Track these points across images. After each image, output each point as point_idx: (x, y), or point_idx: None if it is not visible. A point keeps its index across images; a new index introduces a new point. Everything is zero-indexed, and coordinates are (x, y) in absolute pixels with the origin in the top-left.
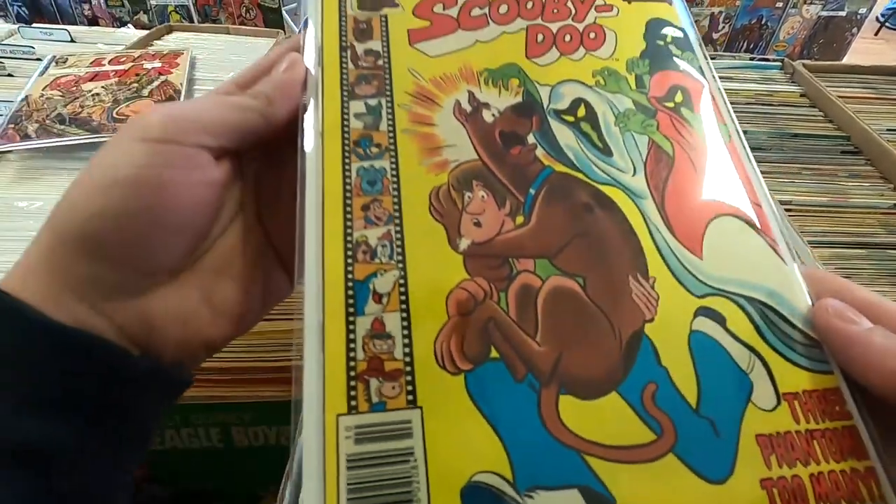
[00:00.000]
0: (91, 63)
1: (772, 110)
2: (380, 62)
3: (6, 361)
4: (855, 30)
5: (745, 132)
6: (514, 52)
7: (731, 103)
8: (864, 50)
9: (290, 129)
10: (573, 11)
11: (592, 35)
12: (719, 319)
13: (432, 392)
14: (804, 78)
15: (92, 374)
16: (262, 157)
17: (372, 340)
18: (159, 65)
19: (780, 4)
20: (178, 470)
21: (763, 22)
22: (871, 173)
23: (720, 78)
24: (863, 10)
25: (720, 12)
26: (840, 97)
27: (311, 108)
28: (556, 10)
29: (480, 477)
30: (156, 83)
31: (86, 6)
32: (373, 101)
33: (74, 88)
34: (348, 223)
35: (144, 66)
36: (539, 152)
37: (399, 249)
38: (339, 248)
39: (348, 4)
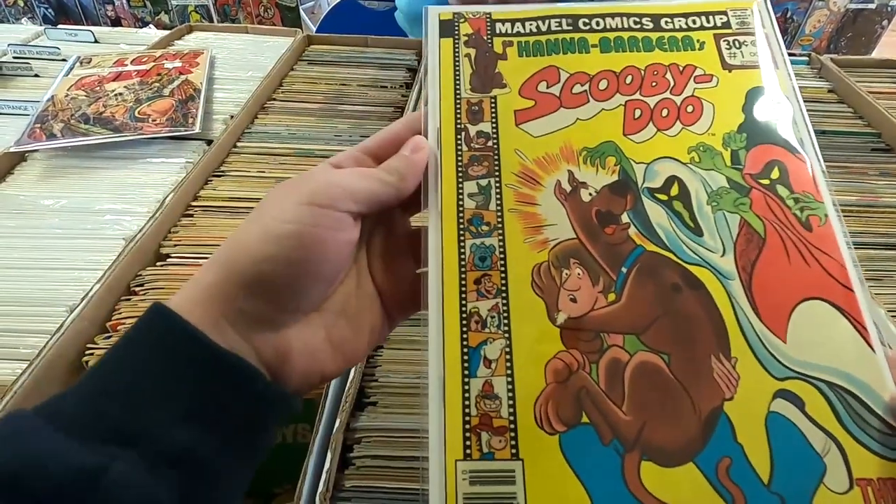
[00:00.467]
0: (114, 63)
1: None
2: (490, 143)
3: (174, 375)
4: (885, 23)
5: None
6: (611, 129)
7: None
8: (895, 44)
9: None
10: (672, 84)
11: (690, 109)
12: (798, 403)
13: (532, 448)
14: (832, 73)
15: (241, 395)
16: (375, 219)
17: (483, 400)
18: (180, 64)
19: None
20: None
21: (788, 15)
22: None
23: None
24: (894, 3)
25: None
26: (870, 92)
27: (431, 187)
28: (654, 84)
29: None
30: (176, 82)
31: (109, 7)
32: (483, 182)
33: (98, 88)
34: (463, 295)
35: (165, 66)
36: (632, 231)
37: (506, 320)
38: (456, 318)
39: (462, 87)
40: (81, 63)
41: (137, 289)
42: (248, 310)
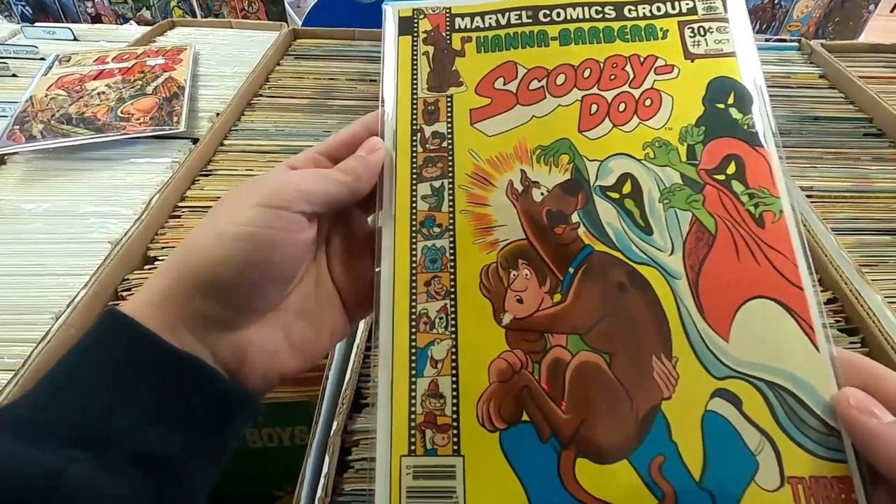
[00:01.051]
0: (95, 61)
1: (791, 93)
2: (444, 144)
3: (134, 377)
4: (872, 7)
5: None
6: (567, 126)
7: None
8: (881, 27)
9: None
10: (631, 76)
11: (648, 102)
12: (735, 402)
13: (473, 444)
14: (823, 58)
15: (200, 395)
16: (334, 218)
17: (429, 399)
18: (163, 61)
19: None
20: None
21: (776, 1)
22: (895, 156)
23: None
24: None
25: None
26: (861, 77)
27: (386, 188)
28: (613, 77)
29: None
30: (160, 80)
31: (89, 4)
32: (437, 183)
33: (79, 87)
34: (413, 297)
35: (148, 63)
36: (581, 231)
37: (453, 321)
38: (406, 319)
39: (419, 87)
40: (61, 62)
41: (125, 294)
42: (204, 312)
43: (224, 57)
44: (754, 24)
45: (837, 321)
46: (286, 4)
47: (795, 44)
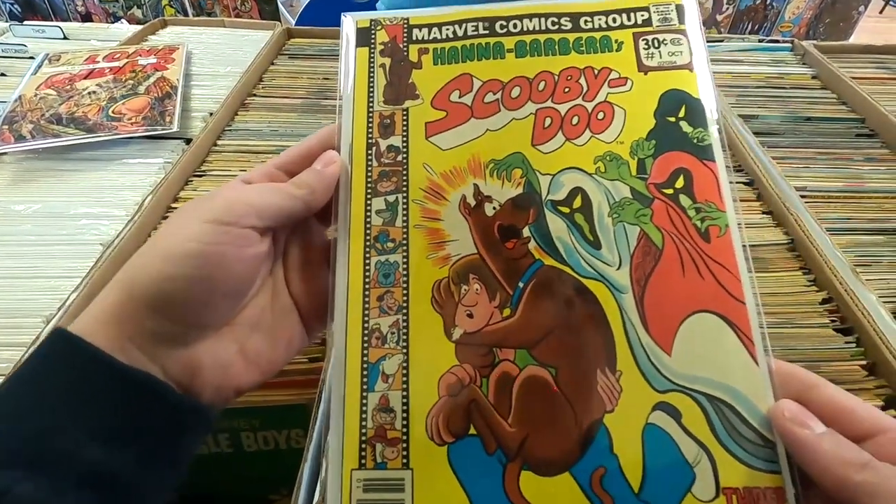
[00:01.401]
0: (85, 60)
1: (784, 93)
2: (399, 158)
3: (81, 396)
4: (862, 8)
5: (757, 117)
6: (520, 140)
7: (742, 87)
8: (871, 28)
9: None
10: (585, 89)
11: (601, 115)
12: (675, 414)
13: (421, 458)
14: (816, 59)
15: (150, 411)
16: (291, 231)
17: (379, 413)
18: (154, 60)
19: None
20: (188, 476)
21: (768, 2)
22: (887, 156)
23: (728, 61)
24: None
25: None
26: (853, 78)
27: (341, 202)
28: (567, 90)
29: None
30: (152, 79)
31: (79, 2)
32: (391, 198)
33: (69, 87)
34: (366, 312)
35: (140, 63)
36: (532, 245)
37: (405, 336)
38: (358, 334)
39: (376, 100)
40: (50, 60)
41: None
42: (153, 329)
43: (217, 56)
44: (746, 25)
45: (833, 321)
46: (279, 4)
47: (788, 44)
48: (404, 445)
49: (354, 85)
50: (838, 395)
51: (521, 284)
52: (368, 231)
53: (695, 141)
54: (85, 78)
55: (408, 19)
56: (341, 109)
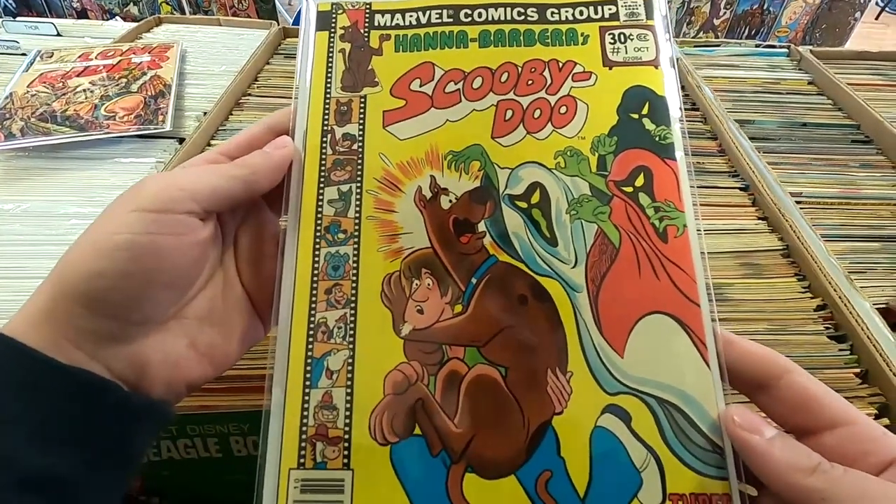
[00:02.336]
0: (78, 57)
1: (780, 99)
2: (355, 146)
3: (17, 398)
4: (858, 14)
5: (753, 122)
6: (480, 132)
7: (738, 92)
8: (867, 34)
9: (269, 197)
10: (548, 82)
11: (563, 109)
12: (625, 417)
13: (363, 458)
14: (812, 65)
15: (91, 409)
16: (242, 219)
17: (321, 410)
18: (148, 58)
19: None
20: (176, 481)
21: (765, 7)
22: (882, 163)
23: (724, 65)
24: None
25: None
26: (849, 84)
27: (293, 191)
28: (530, 82)
29: None
30: (145, 78)
31: None
32: (345, 188)
33: (62, 84)
34: (313, 305)
35: (133, 60)
36: (487, 241)
37: (352, 331)
38: (304, 328)
39: (333, 86)
40: (43, 57)
41: None
42: (90, 327)
43: (212, 55)
44: (743, 30)
45: (827, 328)
46: (276, 2)
47: (785, 50)
48: (346, 445)
49: (312, 70)
50: (809, 384)
51: (473, 280)
52: (319, 221)
53: (657, 139)
54: (78, 75)
55: (370, 4)
56: (297, 94)
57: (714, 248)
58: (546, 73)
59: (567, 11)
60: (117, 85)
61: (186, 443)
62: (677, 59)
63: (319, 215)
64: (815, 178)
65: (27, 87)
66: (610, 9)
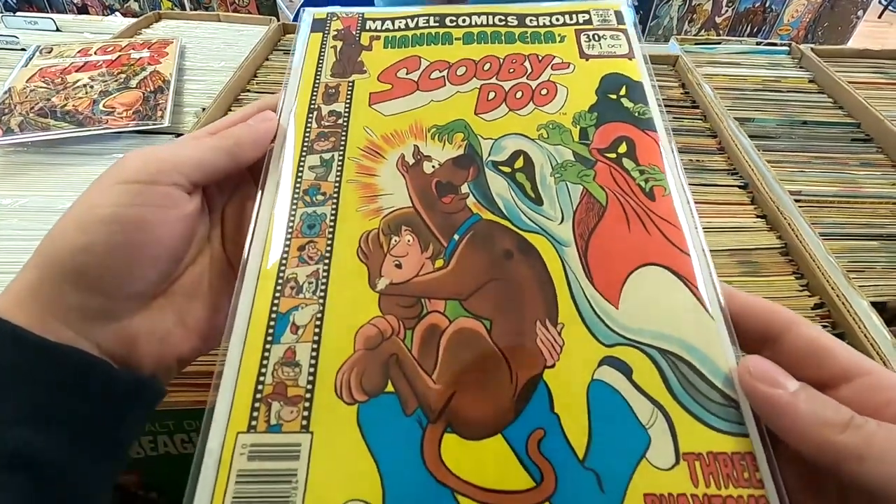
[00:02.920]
0: (78, 53)
1: (780, 97)
2: (340, 121)
3: (5, 377)
4: (860, 12)
5: (753, 120)
6: (464, 109)
7: (739, 90)
8: (869, 33)
9: (254, 171)
10: (529, 70)
11: (544, 92)
12: (625, 370)
13: (325, 419)
14: (813, 63)
15: (80, 387)
16: (229, 196)
17: (282, 367)
18: (148, 54)
19: None
20: (173, 476)
21: (767, 5)
22: (883, 161)
23: (725, 63)
24: None
25: None
26: (850, 83)
27: (273, 157)
28: (512, 70)
29: None
30: (144, 73)
31: None
32: (327, 155)
33: (60, 79)
34: (283, 261)
35: (133, 56)
36: (470, 201)
37: (323, 286)
38: (271, 284)
39: (323, 73)
40: (42, 53)
41: None
42: (77, 303)
43: (211, 51)
44: (745, 28)
45: (825, 326)
46: None
47: (786, 48)
48: (307, 405)
49: (304, 61)
50: (819, 335)
51: (456, 237)
52: (298, 185)
53: (636, 114)
54: (77, 71)
55: (363, 13)
56: (287, 81)
57: (713, 245)
58: (526, 64)
59: (544, 19)
60: (116, 80)
61: (183, 438)
62: (677, 57)
63: (299, 180)
64: (814, 177)
65: (26, 82)
66: (584, 16)
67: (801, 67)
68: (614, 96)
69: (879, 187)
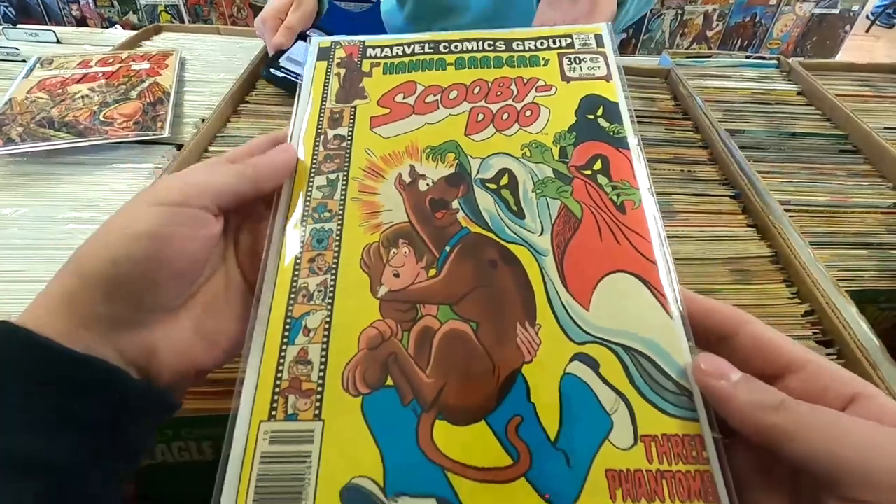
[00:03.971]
0: (78, 64)
1: (770, 109)
2: (344, 144)
3: (25, 385)
4: (848, 27)
5: (743, 131)
6: (455, 130)
7: (729, 102)
8: (857, 47)
9: (267, 200)
10: (515, 93)
11: (528, 113)
12: (593, 364)
13: (334, 409)
14: (801, 76)
15: (100, 395)
16: (243, 215)
17: (296, 365)
18: (148, 66)
19: (773, 2)
20: (170, 484)
21: (757, 19)
22: (869, 172)
23: (715, 76)
24: (856, 8)
25: (714, 10)
26: (838, 95)
27: (285, 188)
28: (499, 93)
29: (358, 480)
30: (145, 84)
31: (74, 6)
32: (333, 176)
33: (61, 90)
34: (296, 272)
35: (133, 68)
36: (460, 216)
37: (331, 294)
38: (286, 291)
39: (328, 99)
40: (42, 64)
41: None
42: (106, 313)
43: (211, 63)
44: (735, 42)
45: (814, 333)
46: None
47: (775, 61)
48: (318, 398)
49: (311, 89)
50: (765, 331)
51: (447, 248)
52: (308, 203)
53: (611, 133)
54: (77, 82)
55: (364, 41)
56: (297, 107)
57: (704, 254)
58: (513, 87)
59: (530, 43)
60: (116, 91)
61: (181, 445)
62: (669, 70)
63: (308, 198)
64: (803, 187)
65: (27, 93)
66: (566, 40)
67: (789, 80)
68: (592, 116)
69: (867, 197)
